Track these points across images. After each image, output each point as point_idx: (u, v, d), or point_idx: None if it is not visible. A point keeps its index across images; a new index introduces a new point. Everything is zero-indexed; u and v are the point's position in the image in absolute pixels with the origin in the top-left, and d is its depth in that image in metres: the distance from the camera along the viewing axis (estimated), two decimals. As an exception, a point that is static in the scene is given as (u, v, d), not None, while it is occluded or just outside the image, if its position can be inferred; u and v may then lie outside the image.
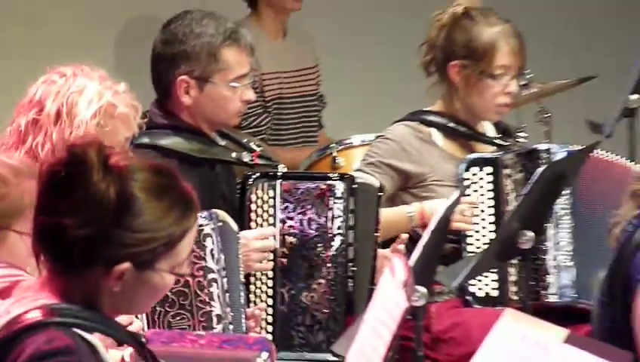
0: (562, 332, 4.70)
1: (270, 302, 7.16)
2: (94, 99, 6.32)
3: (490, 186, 7.79)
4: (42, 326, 4.44)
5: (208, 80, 7.14)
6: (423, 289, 5.81)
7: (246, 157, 7.15)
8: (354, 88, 9.60)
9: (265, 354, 5.42)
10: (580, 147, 7.53)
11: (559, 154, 7.49)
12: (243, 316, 6.81)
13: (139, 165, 4.78)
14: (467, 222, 7.37)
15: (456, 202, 6.81)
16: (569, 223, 7.77)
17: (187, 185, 4.77)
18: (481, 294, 7.46)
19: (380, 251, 7.23)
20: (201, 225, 6.47)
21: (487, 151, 8.08)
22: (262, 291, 7.20)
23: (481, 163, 7.91)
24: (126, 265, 4.49)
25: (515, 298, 7.70)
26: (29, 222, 4.83)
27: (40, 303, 4.51)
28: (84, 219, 4.56)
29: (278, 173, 7.23)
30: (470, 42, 7.82)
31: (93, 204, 4.56)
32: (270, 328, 7.19)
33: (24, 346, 4.43)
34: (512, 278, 7.77)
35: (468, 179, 7.74)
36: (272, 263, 7.25)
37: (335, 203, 7.36)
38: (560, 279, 7.87)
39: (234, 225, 6.74)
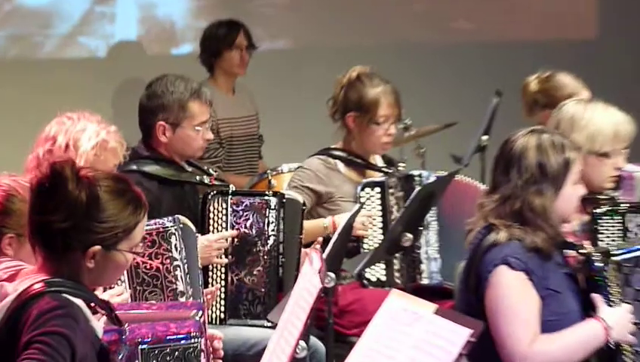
0: (433, 306, 5.28)
1: (223, 284, 7.47)
2: (93, 137, 6.71)
3: (379, 202, 8.06)
4: (42, 294, 4.89)
5: (179, 125, 7.46)
6: (332, 275, 6.20)
7: (206, 180, 7.54)
8: (284, 130, 9.91)
9: (199, 312, 5.38)
10: (445, 173, 7.99)
11: (430, 178, 7.99)
12: (200, 293, 7.02)
13: (102, 175, 5.26)
14: (364, 229, 7.75)
15: (356, 214, 7.13)
16: (436, 228, 8.06)
17: (138, 189, 5.33)
18: (373, 279, 7.87)
19: (303, 249, 7.42)
20: (167, 227, 6.92)
21: (376, 176, 8.22)
22: (217, 276, 7.45)
23: (372, 185, 8.23)
24: (97, 248, 5.01)
25: (399, 281, 8.15)
26: None
27: (38, 279, 4.97)
28: (64, 215, 4.99)
29: (229, 191, 7.44)
30: (360, 99, 8.09)
31: (70, 205, 5.00)
32: (223, 302, 7.52)
33: (31, 310, 4.86)
34: (396, 267, 8.19)
35: (363, 196, 7.99)
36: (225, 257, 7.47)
37: (270, 213, 7.66)
38: (430, 267, 8.22)
39: (192, 227, 7.10)
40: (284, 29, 11.36)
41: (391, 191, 8.05)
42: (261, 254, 7.53)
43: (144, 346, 5.07)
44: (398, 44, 11.92)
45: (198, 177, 7.62)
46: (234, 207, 7.53)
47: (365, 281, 7.78)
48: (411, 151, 9.62)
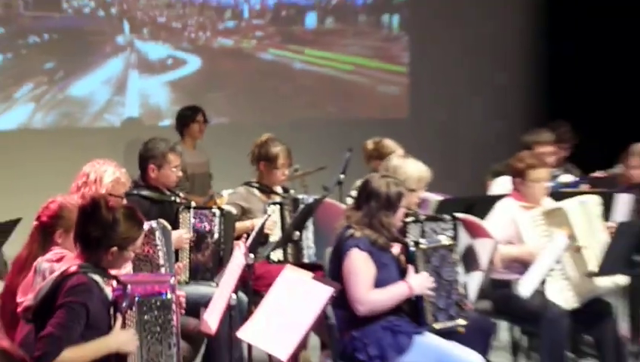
0: (310, 274, 5.52)
1: (187, 260, 7.27)
2: (111, 175, 6.67)
3: (279, 213, 7.84)
4: (75, 274, 4.90)
5: (162, 167, 7.35)
6: (252, 255, 6.01)
7: (177, 200, 7.43)
8: (223, 170, 9.71)
9: (172, 279, 5.28)
10: (318, 197, 7.84)
11: (309, 200, 7.82)
12: (173, 266, 6.79)
13: (121, 205, 5.43)
14: (270, 229, 7.54)
15: (265, 220, 7.07)
16: (312, 228, 7.89)
17: (141, 215, 5.32)
18: (276, 258, 7.70)
19: (235, 241, 7.15)
20: (153, 227, 6.66)
21: (277, 198, 8.00)
22: (184, 256, 7.26)
23: (275, 203, 7.93)
24: (114, 249, 5.04)
25: (290, 260, 7.67)
26: None
27: (75, 263, 4.97)
28: (97, 229, 5.04)
29: (191, 206, 7.39)
30: (267, 154, 7.88)
31: (101, 223, 5.05)
32: (188, 273, 7.22)
33: (66, 283, 4.86)
34: (289, 251, 7.78)
35: (269, 210, 7.74)
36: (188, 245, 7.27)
37: (215, 219, 7.42)
38: (309, 252, 7.86)
39: (169, 226, 6.88)
40: (224, 111, 11.21)
41: (286, 207, 7.91)
42: (210, 243, 7.39)
43: (139, 298, 5.00)
44: (290, 119, 11.79)
45: (172, 198, 7.49)
46: (194, 216, 7.40)
47: (270, 260, 7.64)
48: (299, 183, 9.45)
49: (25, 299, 5.05)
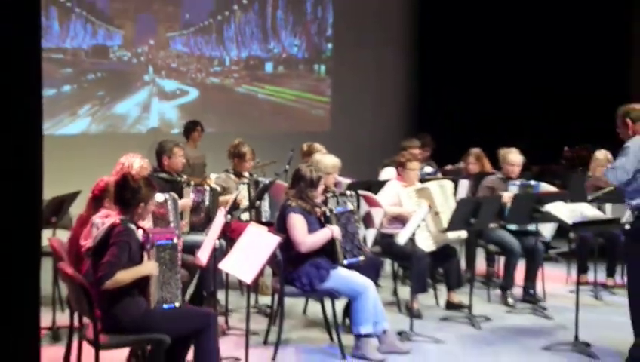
0: (265, 228, 5.51)
1: (187, 221, 7.07)
2: (138, 163, 6.47)
3: (247, 190, 7.72)
4: (119, 224, 4.83)
5: (170, 157, 7.15)
6: (229, 216, 6.07)
7: (182, 180, 7.23)
8: (216, 162, 9.37)
9: (177, 231, 5.49)
10: (271, 179, 7.74)
11: (266, 181, 7.64)
12: (179, 223, 6.73)
13: (141, 178, 5.19)
14: (241, 200, 7.34)
15: (237, 194, 7.11)
16: (267, 199, 7.71)
17: (153, 181, 5.33)
18: (244, 218, 7.41)
19: (219, 209, 6.96)
20: (166, 197, 6.60)
21: (245, 180, 7.94)
22: (186, 216, 7.04)
23: (244, 183, 7.81)
24: (142, 204, 4.98)
25: (254, 219, 7.30)
26: None
27: (118, 218, 4.90)
28: (129, 192, 4.95)
29: (192, 184, 7.22)
30: (239, 152, 7.87)
31: (131, 189, 4.97)
32: (188, 227, 7.10)
33: (114, 229, 4.83)
34: (253, 214, 7.59)
35: (240, 188, 7.70)
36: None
37: (207, 193, 7.35)
38: (265, 214, 7.72)
39: (176, 197, 6.79)
40: (213, 124, 11.01)
41: (251, 186, 7.75)
42: (203, 208, 7.25)
43: (158, 242, 4.93)
44: (256, 131, 11.62)
45: (179, 179, 7.31)
46: (193, 190, 7.24)
47: (241, 219, 7.41)
48: (260, 171, 9.25)
49: (86, 242, 5.02)
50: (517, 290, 7.87)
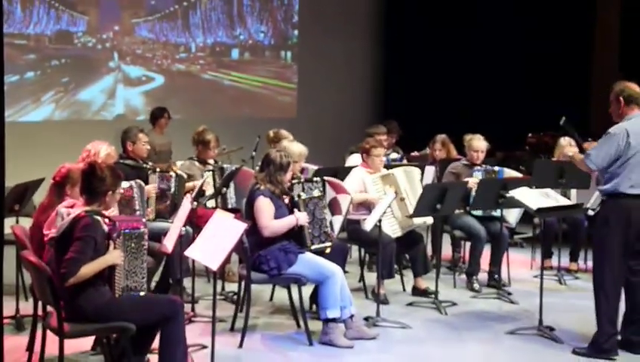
0: (232, 215, 5.48)
1: (153, 207, 6.97)
2: (105, 150, 6.46)
3: (212, 177, 7.59)
4: (84, 216, 4.76)
5: (135, 143, 7.11)
6: (195, 203, 6.21)
7: (148, 166, 7.21)
8: (180, 148, 9.43)
9: (143, 219, 5.33)
10: (237, 166, 7.71)
11: (232, 168, 7.59)
12: (145, 210, 6.72)
13: (107, 166, 5.13)
14: (206, 186, 7.28)
15: (203, 181, 7.07)
16: (233, 186, 7.56)
17: (118, 170, 5.20)
18: (209, 205, 7.33)
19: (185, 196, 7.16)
20: (132, 185, 6.56)
21: (210, 167, 7.86)
22: (152, 203, 6.92)
23: (209, 170, 7.75)
24: (109, 192, 4.93)
25: (220, 206, 7.39)
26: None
27: (82, 209, 4.81)
28: (96, 181, 4.88)
29: (157, 170, 7.16)
30: (203, 139, 7.88)
31: (97, 177, 4.89)
32: (154, 214, 7.03)
33: (79, 222, 4.75)
34: (219, 201, 7.50)
35: (205, 175, 7.60)
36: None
37: (172, 180, 7.31)
38: (232, 202, 7.59)
39: (142, 183, 6.76)
40: (179, 111, 10.93)
41: (216, 173, 7.64)
42: (168, 196, 7.19)
43: (124, 231, 4.89)
44: (222, 117, 11.59)
45: (144, 165, 7.27)
46: (159, 177, 7.19)
47: (207, 206, 7.34)
48: (226, 157, 9.14)
49: (50, 232, 4.95)
50: (482, 276, 7.91)
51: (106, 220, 4.91)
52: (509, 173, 7.97)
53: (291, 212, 6.26)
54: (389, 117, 10.58)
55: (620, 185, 5.76)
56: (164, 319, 4.97)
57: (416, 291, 7.56)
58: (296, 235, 6.26)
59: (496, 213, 7.75)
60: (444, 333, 6.53)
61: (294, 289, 6.37)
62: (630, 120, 5.80)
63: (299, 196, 6.30)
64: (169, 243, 5.70)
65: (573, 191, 8.17)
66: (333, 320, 6.11)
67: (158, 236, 6.24)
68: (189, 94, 11.85)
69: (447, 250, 8.64)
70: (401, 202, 7.34)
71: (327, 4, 12.97)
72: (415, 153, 9.71)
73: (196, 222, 6.60)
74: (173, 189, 7.27)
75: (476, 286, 7.78)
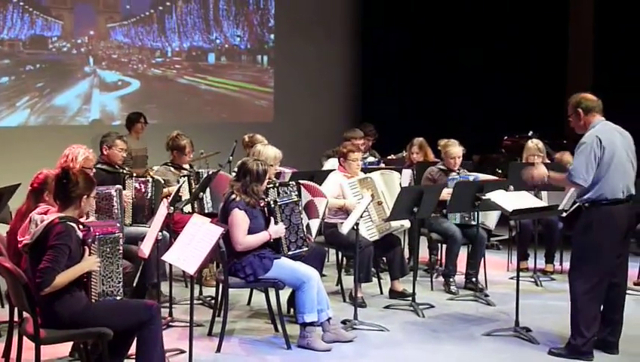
0: (208, 220, 5.44)
1: (132, 211, 7.02)
2: (82, 155, 6.47)
3: (187, 182, 7.53)
4: (58, 223, 4.71)
5: (111, 148, 7.07)
6: (172, 208, 6.23)
7: (125, 171, 7.21)
8: (154, 154, 9.41)
9: (119, 224, 5.29)
10: (215, 170, 7.63)
11: (209, 173, 7.52)
12: (123, 214, 6.70)
13: (80, 172, 5.04)
14: (182, 192, 7.28)
15: (180, 187, 7.07)
16: (209, 191, 7.48)
17: (91, 175, 5.27)
18: (186, 210, 7.27)
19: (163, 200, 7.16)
20: (112, 193, 6.53)
21: (186, 172, 7.73)
22: (128, 209, 6.91)
23: (184, 176, 7.69)
24: (84, 197, 4.87)
25: (197, 211, 7.32)
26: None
27: (57, 216, 4.76)
28: (70, 186, 4.82)
29: (134, 176, 7.20)
30: (178, 145, 7.83)
31: (70, 183, 4.83)
32: (131, 218, 7.02)
33: (53, 230, 4.71)
34: (195, 206, 7.46)
35: (181, 180, 7.46)
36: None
37: (149, 184, 7.30)
38: (208, 206, 7.53)
39: (121, 188, 6.72)
40: (155, 116, 10.89)
41: (192, 178, 7.63)
42: (146, 200, 7.19)
43: (99, 235, 4.86)
44: (198, 122, 11.57)
45: (120, 170, 7.26)
46: (136, 182, 7.17)
47: (184, 211, 7.30)
48: (203, 162, 9.18)
49: (24, 238, 4.92)
50: (459, 278, 7.93)
51: (80, 226, 4.88)
52: (485, 178, 7.96)
53: (267, 218, 6.25)
54: (365, 120, 10.64)
55: (603, 192, 5.75)
56: (140, 323, 4.95)
57: (394, 294, 7.57)
58: (272, 243, 6.24)
59: (474, 221, 7.74)
60: (421, 336, 6.53)
61: (272, 293, 6.35)
62: (595, 127, 5.82)
63: (275, 202, 6.29)
64: (146, 248, 5.69)
65: (544, 193, 8.21)
66: (311, 324, 6.09)
67: (135, 240, 6.25)
68: (166, 99, 11.82)
69: (424, 253, 8.63)
70: (378, 206, 7.38)
71: (304, 8, 12.95)
72: (392, 156, 9.72)
73: (173, 227, 6.65)
74: (149, 194, 7.25)
75: (453, 288, 7.79)
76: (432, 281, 8.09)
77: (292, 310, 6.57)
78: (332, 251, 7.91)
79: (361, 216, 6.78)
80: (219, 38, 12.43)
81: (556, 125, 8.04)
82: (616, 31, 11.80)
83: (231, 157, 9.06)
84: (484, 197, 6.83)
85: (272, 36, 12.94)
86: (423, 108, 12.49)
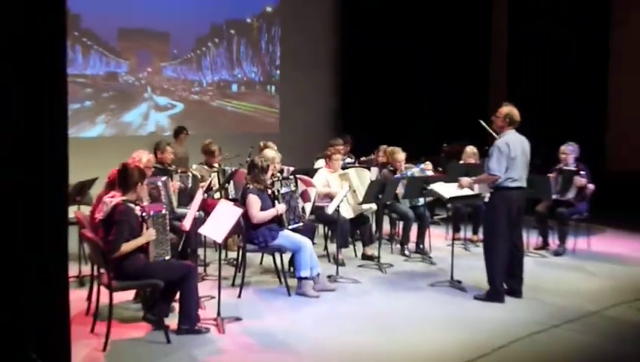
0: (232, 203, 5.46)
1: (176, 197, 6.75)
2: (145, 158, 6.24)
3: (216, 177, 7.40)
4: (120, 204, 4.75)
5: (163, 152, 6.96)
6: (206, 195, 6.05)
7: (172, 169, 7.09)
8: (195, 156, 8.96)
9: (165, 206, 5.27)
10: (236, 168, 7.66)
11: (232, 170, 7.39)
12: (169, 200, 6.50)
13: (135, 166, 5.07)
14: (214, 185, 7.08)
15: (211, 180, 6.89)
16: (232, 183, 7.37)
17: (143, 169, 5.18)
18: (216, 196, 7.12)
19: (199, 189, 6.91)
20: (159, 184, 6.38)
21: (215, 170, 7.64)
22: (175, 195, 6.71)
23: (214, 172, 7.55)
24: (138, 184, 4.86)
25: (223, 197, 7.09)
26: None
27: (120, 198, 4.78)
28: (128, 177, 4.84)
29: (178, 171, 7.10)
30: (209, 149, 7.67)
31: (128, 174, 4.85)
32: (176, 202, 6.75)
33: (116, 209, 4.74)
34: (223, 193, 7.28)
35: (212, 176, 7.35)
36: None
37: (189, 178, 7.16)
38: (232, 193, 7.34)
39: (167, 180, 6.56)
40: (195, 128, 10.56)
41: (220, 174, 7.52)
42: (187, 189, 7.08)
43: (153, 213, 4.86)
44: (225, 133, 11.25)
45: (169, 168, 7.16)
46: (179, 176, 7.10)
47: (214, 197, 7.10)
48: (229, 162, 8.77)
49: (98, 215, 4.94)
50: (411, 245, 7.92)
51: (138, 207, 4.88)
52: (427, 166, 7.96)
53: (273, 202, 6.21)
54: (345, 132, 10.54)
55: (504, 181, 5.82)
56: (182, 277, 4.96)
57: (365, 256, 7.56)
58: (277, 220, 6.23)
59: (420, 203, 7.76)
60: (384, 286, 6.54)
61: (277, 256, 6.36)
62: (506, 135, 5.85)
63: (278, 191, 6.27)
64: (187, 224, 5.68)
65: (476, 186, 8.21)
66: (305, 278, 6.10)
67: (179, 218, 6.17)
68: (201, 117, 11.70)
69: (386, 228, 8.63)
70: (353, 193, 7.39)
71: (301, 51, 12.80)
72: (363, 158, 9.67)
73: (207, 208, 6.56)
74: (190, 185, 7.22)
75: (407, 252, 7.77)
76: (392, 247, 8.09)
77: (291, 268, 6.57)
78: (320, 226, 7.94)
79: (341, 201, 6.79)
80: (240, 73, 12.33)
81: (482, 135, 8.02)
82: (526, 64, 11.56)
83: (248, 159, 8.75)
84: (428, 188, 6.85)
85: (278, 72, 12.83)
86: (387, 123, 12.34)
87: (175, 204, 6.92)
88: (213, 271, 6.53)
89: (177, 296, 5.10)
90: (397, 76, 12.73)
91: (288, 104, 12.84)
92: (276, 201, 6.23)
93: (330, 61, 13.38)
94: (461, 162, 8.52)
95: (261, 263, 7.27)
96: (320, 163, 8.45)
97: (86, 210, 6.05)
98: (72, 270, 5.83)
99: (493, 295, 5.96)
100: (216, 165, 7.82)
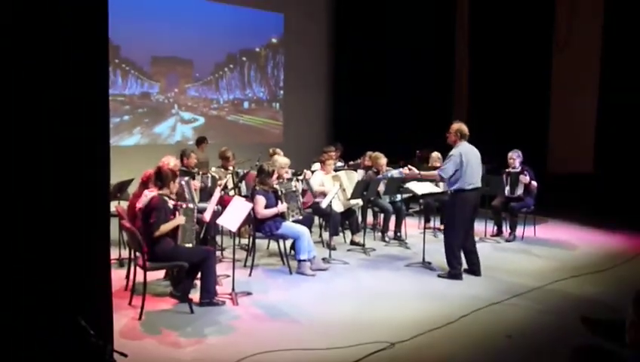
0: (244, 199, 5.36)
1: (198, 194, 6.70)
2: (173, 161, 6.03)
3: (231, 178, 7.28)
4: (156, 196, 4.78)
5: (188, 158, 6.83)
6: (223, 192, 5.91)
7: (195, 171, 6.99)
8: (214, 161, 8.72)
9: (191, 202, 5.33)
10: (245, 170, 7.58)
11: (244, 172, 7.32)
12: (193, 198, 6.35)
13: (168, 167, 5.10)
14: (228, 184, 7.00)
15: (227, 181, 6.85)
16: (244, 182, 7.21)
17: (175, 170, 5.17)
18: (231, 194, 6.92)
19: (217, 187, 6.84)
20: (182, 183, 6.12)
21: (229, 172, 7.51)
22: (197, 193, 6.66)
23: (229, 174, 7.31)
24: (171, 182, 4.84)
25: (237, 194, 6.93)
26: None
27: (156, 192, 4.82)
28: (162, 175, 4.86)
29: (200, 173, 6.96)
30: (225, 155, 7.50)
31: (162, 173, 4.88)
32: (198, 198, 6.62)
33: (154, 200, 4.74)
34: (237, 191, 7.18)
35: (227, 177, 7.15)
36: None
37: (209, 178, 7.04)
38: (244, 191, 7.23)
39: (191, 181, 6.47)
40: (213, 138, 10.36)
41: (234, 175, 7.45)
42: (207, 187, 6.97)
43: (182, 207, 4.86)
44: (238, 143, 11.21)
45: (193, 170, 7.12)
46: (200, 177, 7.02)
47: (229, 194, 6.91)
48: (241, 165, 8.61)
49: (139, 205, 4.93)
50: (390, 233, 7.89)
51: (171, 201, 4.90)
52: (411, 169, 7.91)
53: (277, 200, 6.17)
54: (337, 140, 10.49)
55: (462, 185, 5.87)
56: (203, 259, 4.97)
57: (352, 243, 7.52)
58: (281, 214, 6.20)
59: (398, 198, 7.75)
60: (368, 267, 6.53)
61: (281, 242, 6.38)
62: (459, 146, 5.88)
63: (281, 191, 6.25)
64: (207, 216, 5.66)
65: (441, 184, 8.19)
66: (304, 260, 6.09)
67: (201, 211, 6.13)
68: (219, 129, 11.61)
69: (370, 219, 8.58)
70: (343, 191, 7.37)
71: (300, 75, 12.76)
72: (352, 162, 9.60)
73: (223, 203, 6.52)
74: (209, 184, 7.19)
75: (387, 239, 7.75)
76: (374, 235, 8.05)
77: (292, 252, 6.55)
78: (316, 217, 7.93)
79: (333, 197, 6.79)
80: (250, 93, 12.25)
81: (445, 143, 8.05)
82: (488, 76, 11.38)
83: (257, 163, 8.81)
84: (405, 186, 6.87)
85: (282, 91, 12.76)
86: (371, 133, 12.09)
87: (197, 199, 6.88)
88: (229, 254, 6.52)
89: (199, 274, 5.10)
90: (378, 93, 12.65)
91: (290, 118, 12.78)
92: (279, 201, 6.20)
93: (324, 83, 13.32)
94: (430, 165, 8.50)
95: (268, 248, 7.24)
96: (316, 166, 8.42)
97: (124, 204, 6.06)
98: (113, 253, 5.84)
99: (453, 274, 5.99)
100: (230, 168, 7.75)
